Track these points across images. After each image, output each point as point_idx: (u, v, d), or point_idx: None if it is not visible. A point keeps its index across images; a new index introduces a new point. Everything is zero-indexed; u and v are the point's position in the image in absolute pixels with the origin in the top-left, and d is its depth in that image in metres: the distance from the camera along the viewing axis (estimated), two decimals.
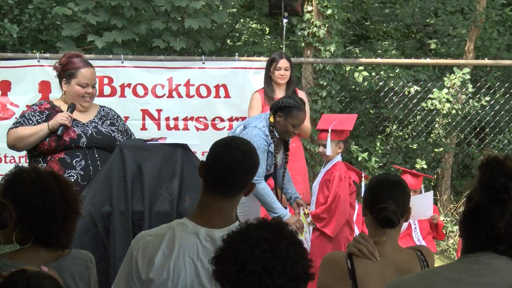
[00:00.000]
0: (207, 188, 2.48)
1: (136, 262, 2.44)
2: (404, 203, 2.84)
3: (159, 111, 6.86)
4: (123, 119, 4.59)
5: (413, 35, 12.22)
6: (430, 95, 8.36)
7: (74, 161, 4.16)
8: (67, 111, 4.26)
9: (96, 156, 4.16)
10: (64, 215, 2.54)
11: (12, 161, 6.62)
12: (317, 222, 5.10)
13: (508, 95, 8.51)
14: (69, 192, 2.59)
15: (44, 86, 6.66)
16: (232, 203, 2.52)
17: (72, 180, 4.08)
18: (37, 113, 4.31)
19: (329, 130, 5.11)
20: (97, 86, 4.48)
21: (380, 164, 8.32)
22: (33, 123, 4.27)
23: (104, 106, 4.54)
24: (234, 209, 2.58)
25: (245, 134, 4.78)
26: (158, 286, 2.39)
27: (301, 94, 6.30)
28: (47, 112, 4.30)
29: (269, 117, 4.88)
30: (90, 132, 4.23)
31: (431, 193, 5.71)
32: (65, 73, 4.35)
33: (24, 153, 4.86)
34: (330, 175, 5.12)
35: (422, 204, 5.39)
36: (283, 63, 6.12)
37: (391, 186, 2.86)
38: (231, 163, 2.42)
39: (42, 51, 8.41)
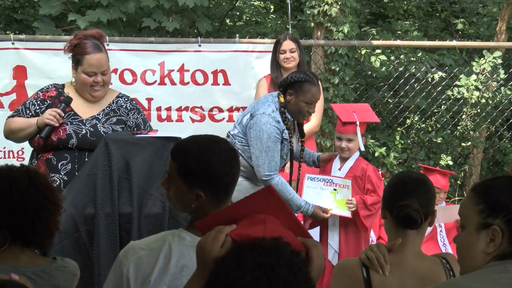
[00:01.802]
0: (212, 202, 2.48)
1: (128, 280, 2.43)
2: (428, 203, 2.85)
3: (149, 100, 6.85)
4: (142, 111, 4.52)
5: (437, 14, 12.19)
6: (457, 82, 8.35)
7: (59, 164, 4.17)
8: (59, 106, 4.23)
9: (86, 160, 4.10)
10: (38, 206, 2.56)
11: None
12: (361, 210, 5.05)
13: None
14: (39, 180, 2.61)
15: (20, 72, 6.66)
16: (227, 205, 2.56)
17: (54, 185, 4.08)
18: (38, 102, 4.30)
19: (358, 123, 5.09)
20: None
21: (400, 161, 8.32)
22: (30, 114, 4.28)
23: (123, 96, 4.48)
24: None
25: (253, 123, 4.76)
26: None
27: None
28: (49, 102, 4.29)
29: (278, 98, 4.84)
30: (84, 132, 4.20)
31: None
32: (73, 57, 4.30)
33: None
34: (359, 172, 5.11)
35: (449, 212, 5.40)
36: (287, 44, 6.12)
37: (414, 183, 2.89)
38: (235, 170, 2.51)
39: (17, 32, 8.41)
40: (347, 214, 4.95)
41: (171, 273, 2.40)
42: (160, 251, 2.45)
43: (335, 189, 4.95)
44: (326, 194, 4.96)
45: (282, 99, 4.81)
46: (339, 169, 5.18)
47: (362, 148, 5.13)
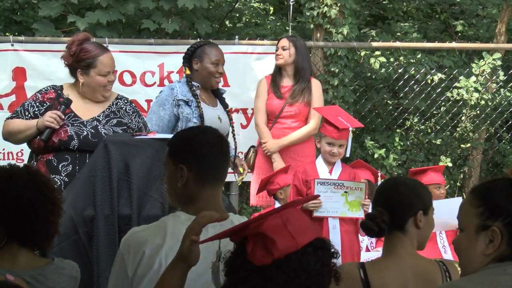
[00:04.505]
0: (196, 180, 2.57)
1: (122, 256, 2.54)
2: (399, 209, 2.91)
3: (148, 101, 6.85)
4: (141, 114, 4.57)
5: (437, 16, 12.19)
6: (456, 84, 8.35)
7: (60, 165, 4.18)
8: (59, 109, 4.23)
9: (87, 161, 4.10)
10: (34, 202, 2.57)
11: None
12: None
13: None
14: (39, 178, 2.64)
15: (19, 73, 6.67)
16: (218, 192, 2.64)
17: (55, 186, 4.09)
18: (37, 104, 4.30)
19: (351, 129, 5.11)
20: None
21: (399, 162, 8.32)
22: (29, 115, 4.28)
23: (122, 97, 4.52)
24: (220, 198, 2.68)
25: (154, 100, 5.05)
26: (150, 279, 2.46)
27: (316, 82, 6.28)
28: (48, 104, 4.29)
29: (184, 71, 5.06)
30: (85, 133, 4.21)
31: (459, 199, 5.69)
32: (79, 63, 4.31)
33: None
34: (350, 175, 5.16)
35: (449, 211, 5.35)
36: (281, 42, 6.15)
37: (386, 191, 3.01)
38: (222, 156, 2.61)
39: (17, 34, 8.41)
40: (360, 215, 4.94)
41: (167, 245, 2.49)
42: (156, 227, 2.58)
43: (346, 192, 4.96)
44: (337, 197, 4.94)
45: (188, 71, 5.07)
46: (329, 173, 5.16)
47: (348, 153, 5.17)
